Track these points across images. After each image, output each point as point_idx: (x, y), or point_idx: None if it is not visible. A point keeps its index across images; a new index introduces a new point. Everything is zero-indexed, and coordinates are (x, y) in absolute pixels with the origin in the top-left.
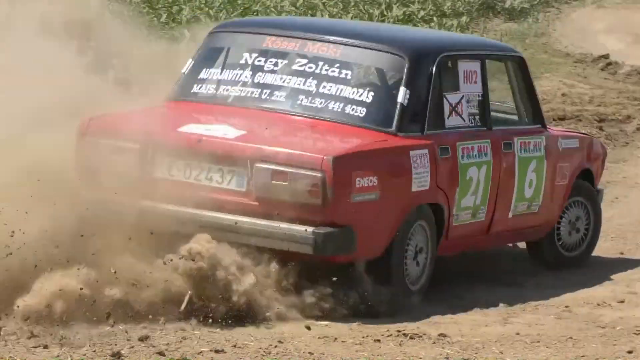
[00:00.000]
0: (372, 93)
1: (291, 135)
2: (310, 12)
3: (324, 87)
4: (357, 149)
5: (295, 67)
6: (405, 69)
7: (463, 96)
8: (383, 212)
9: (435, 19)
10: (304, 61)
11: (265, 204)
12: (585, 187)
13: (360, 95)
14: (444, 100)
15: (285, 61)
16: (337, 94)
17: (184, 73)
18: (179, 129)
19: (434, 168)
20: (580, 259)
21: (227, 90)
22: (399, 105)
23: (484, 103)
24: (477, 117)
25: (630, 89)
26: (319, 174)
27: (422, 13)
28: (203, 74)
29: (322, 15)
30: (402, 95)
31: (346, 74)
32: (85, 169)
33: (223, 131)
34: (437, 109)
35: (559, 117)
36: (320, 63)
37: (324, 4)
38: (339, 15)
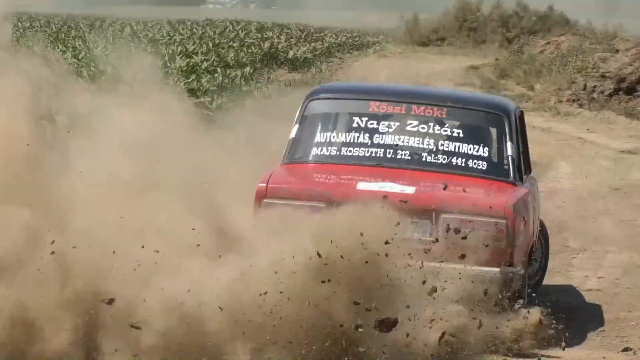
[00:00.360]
0: (486, 148)
1: (453, 189)
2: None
3: (442, 144)
4: (520, 197)
5: (408, 128)
6: (507, 125)
7: (527, 145)
8: (526, 247)
9: (219, 69)
10: (415, 122)
11: (451, 250)
12: (540, 221)
13: (477, 151)
14: (523, 150)
15: (397, 123)
16: (456, 150)
17: (293, 138)
18: (357, 187)
19: (536, 206)
20: (535, 286)
21: (351, 151)
22: (510, 158)
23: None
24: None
25: None
26: (503, 220)
27: (205, 64)
28: (318, 138)
29: None
30: (510, 149)
31: (458, 133)
32: (268, 229)
33: (394, 188)
34: (524, 158)
35: None
36: (431, 123)
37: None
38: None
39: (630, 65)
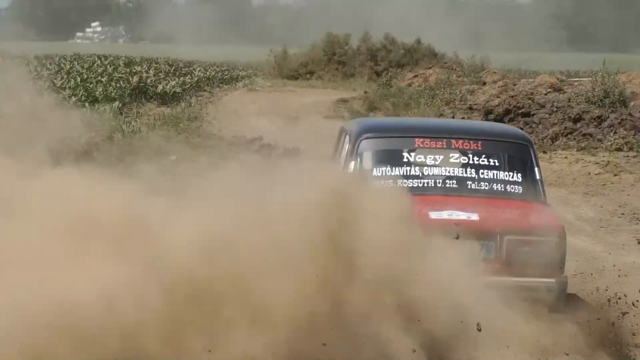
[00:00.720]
0: (519, 174)
1: (507, 212)
2: None
3: (482, 173)
4: (560, 218)
5: (452, 160)
6: (532, 153)
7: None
8: None
9: (87, 104)
10: (457, 154)
11: (512, 267)
12: None
13: (512, 177)
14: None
15: (441, 156)
16: (494, 177)
17: (352, 168)
18: (430, 216)
19: None
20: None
21: (406, 183)
22: (539, 182)
23: None
24: None
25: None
26: (557, 239)
27: (74, 99)
28: (378, 169)
29: None
30: (537, 173)
31: (493, 162)
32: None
33: (461, 215)
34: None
35: None
36: (470, 155)
37: None
38: None
39: (497, 97)
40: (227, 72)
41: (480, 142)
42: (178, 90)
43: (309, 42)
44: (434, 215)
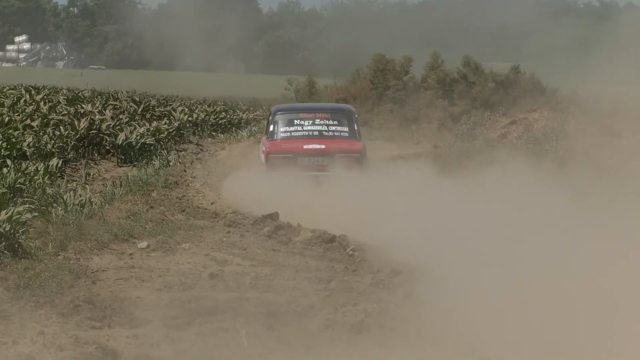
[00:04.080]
0: (346, 127)
1: (341, 144)
2: None
3: (330, 127)
4: (364, 145)
5: (316, 122)
6: (354, 117)
7: None
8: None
9: (9, 162)
10: (318, 120)
11: (339, 165)
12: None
13: (344, 129)
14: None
15: (311, 121)
16: (335, 129)
17: (271, 130)
18: (304, 146)
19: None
20: None
21: (296, 133)
22: (357, 131)
23: None
24: None
25: (311, 265)
26: (359, 154)
27: None
28: (283, 128)
29: None
30: (357, 127)
31: (335, 122)
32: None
33: (317, 145)
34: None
35: (206, 311)
36: (324, 120)
37: None
38: None
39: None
40: (224, 113)
41: (328, 113)
42: (149, 141)
43: (344, 66)
44: (305, 146)
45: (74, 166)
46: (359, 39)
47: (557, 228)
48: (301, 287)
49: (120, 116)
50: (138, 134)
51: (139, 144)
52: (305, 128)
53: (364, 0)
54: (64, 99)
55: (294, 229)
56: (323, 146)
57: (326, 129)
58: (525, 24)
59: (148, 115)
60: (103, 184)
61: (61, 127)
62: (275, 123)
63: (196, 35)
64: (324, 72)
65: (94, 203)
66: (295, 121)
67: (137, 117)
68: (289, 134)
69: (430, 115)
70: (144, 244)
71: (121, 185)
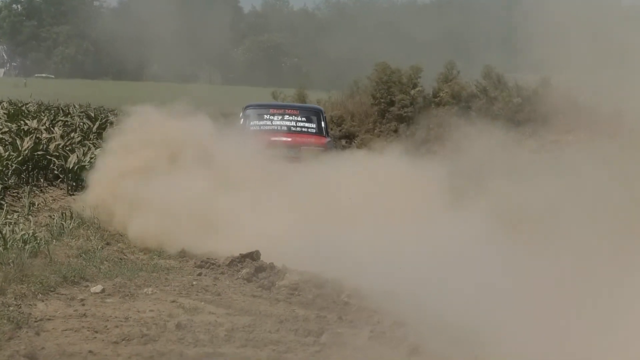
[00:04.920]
0: (314, 124)
1: (308, 138)
2: None
3: (298, 123)
4: (329, 140)
5: (286, 118)
6: (322, 116)
7: None
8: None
9: None
10: (288, 117)
11: (303, 158)
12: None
13: (311, 125)
14: (326, 126)
15: (280, 117)
16: (303, 125)
17: (242, 123)
18: (270, 139)
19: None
20: None
21: (265, 127)
22: (325, 128)
23: None
24: None
25: (298, 315)
26: (322, 147)
27: None
28: (253, 122)
29: None
30: (324, 124)
31: (303, 119)
32: None
33: (283, 138)
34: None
35: None
36: (293, 116)
37: None
38: None
39: None
40: None
41: (297, 111)
42: None
43: (341, 77)
44: (273, 138)
45: (15, 194)
46: (358, 44)
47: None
48: (286, 340)
49: (72, 135)
50: (92, 155)
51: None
52: (275, 124)
53: None
54: (4, 113)
55: (277, 271)
56: (290, 139)
57: (294, 124)
58: (557, 27)
59: (105, 134)
60: (50, 216)
61: (0, 148)
62: (246, 117)
63: (164, 39)
64: (318, 84)
65: (39, 238)
66: (265, 116)
67: (92, 136)
68: (259, 127)
69: (442, 137)
70: (98, 288)
71: (72, 218)
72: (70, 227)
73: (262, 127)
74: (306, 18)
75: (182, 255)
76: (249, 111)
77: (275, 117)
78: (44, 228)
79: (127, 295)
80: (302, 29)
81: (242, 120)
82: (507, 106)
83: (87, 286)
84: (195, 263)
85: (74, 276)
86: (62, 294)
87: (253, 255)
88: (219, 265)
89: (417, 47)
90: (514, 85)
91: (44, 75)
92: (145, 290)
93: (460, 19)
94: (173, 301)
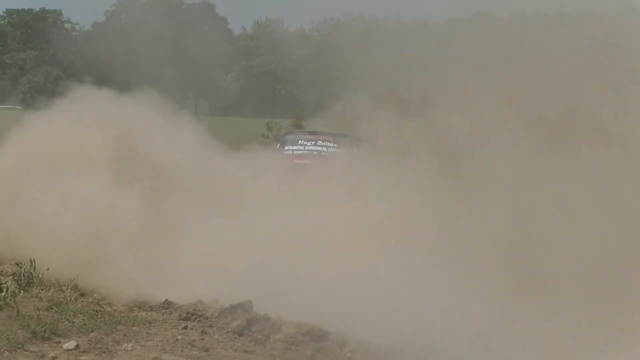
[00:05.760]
0: (340, 149)
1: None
2: None
3: (325, 147)
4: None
5: (317, 144)
6: (353, 140)
7: None
8: None
9: None
10: (319, 142)
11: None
12: None
13: (337, 150)
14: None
15: (313, 142)
16: (330, 150)
17: (280, 147)
18: (294, 161)
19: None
20: None
21: (297, 151)
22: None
23: None
24: None
25: None
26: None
27: None
28: (287, 146)
29: None
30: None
31: (332, 145)
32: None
33: (311, 161)
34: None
35: None
36: (324, 142)
37: None
38: None
39: None
40: None
41: (330, 137)
42: None
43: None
44: (296, 160)
45: None
46: (364, 69)
47: None
48: None
49: None
50: None
51: None
52: (307, 148)
53: (370, 18)
54: None
55: (272, 323)
56: (314, 162)
57: (325, 149)
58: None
59: None
60: (17, 264)
61: None
62: (285, 142)
63: (144, 64)
64: (317, 114)
65: (4, 289)
66: (300, 142)
67: None
68: (293, 151)
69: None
70: (71, 344)
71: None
72: (40, 276)
73: (294, 151)
74: (303, 40)
75: (166, 306)
76: (286, 137)
77: (309, 143)
78: (9, 277)
79: (104, 352)
80: (299, 53)
81: (279, 144)
82: (528, 135)
83: (59, 342)
84: (180, 315)
85: (45, 331)
86: (32, 351)
87: (245, 306)
88: (207, 317)
89: (429, 71)
90: (538, 113)
91: (9, 106)
92: (125, 346)
93: (480, 38)
94: (155, 358)
